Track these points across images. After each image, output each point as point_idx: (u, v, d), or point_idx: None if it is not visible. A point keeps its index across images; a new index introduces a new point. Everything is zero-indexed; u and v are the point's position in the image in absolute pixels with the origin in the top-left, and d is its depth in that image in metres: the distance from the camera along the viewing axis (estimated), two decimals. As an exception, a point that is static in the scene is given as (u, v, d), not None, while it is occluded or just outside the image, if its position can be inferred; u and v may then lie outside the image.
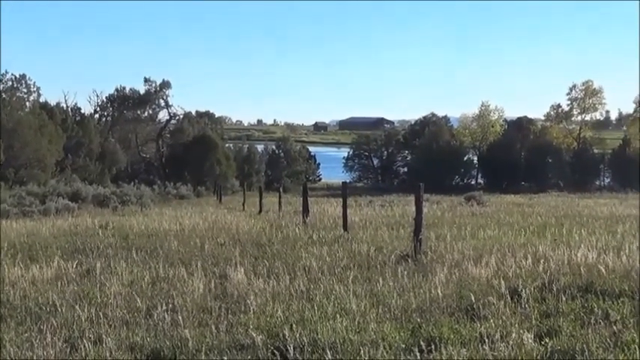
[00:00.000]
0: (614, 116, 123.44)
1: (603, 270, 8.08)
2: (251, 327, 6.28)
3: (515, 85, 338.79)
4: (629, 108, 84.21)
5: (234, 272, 8.92)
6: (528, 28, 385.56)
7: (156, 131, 66.77)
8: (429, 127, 75.19)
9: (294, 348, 5.62)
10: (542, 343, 5.68)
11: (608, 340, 5.68)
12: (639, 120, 70.77)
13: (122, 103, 65.98)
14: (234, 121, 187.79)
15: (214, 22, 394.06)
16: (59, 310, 7.23)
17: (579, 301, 6.96)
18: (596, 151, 72.24)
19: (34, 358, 5.71)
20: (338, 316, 6.59)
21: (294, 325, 6.19)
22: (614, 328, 5.98)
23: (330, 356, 5.43)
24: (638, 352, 5.33)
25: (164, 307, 7.03)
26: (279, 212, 23.85)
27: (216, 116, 79.76)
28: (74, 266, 10.06)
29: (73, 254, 11.80)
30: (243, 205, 31.49)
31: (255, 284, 8.30)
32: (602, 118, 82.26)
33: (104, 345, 5.94)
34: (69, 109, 58.38)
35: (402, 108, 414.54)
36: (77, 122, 55.13)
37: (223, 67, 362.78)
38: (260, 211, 25.46)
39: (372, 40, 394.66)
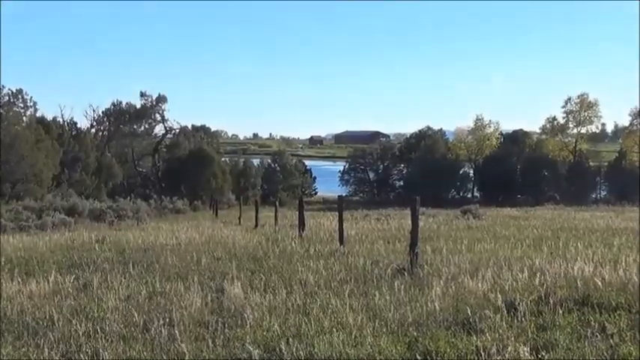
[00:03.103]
0: (609, 129, 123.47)
1: (600, 283, 8.10)
2: (248, 341, 6.28)
3: (511, 98, 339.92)
4: (624, 120, 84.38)
5: (230, 286, 8.90)
6: (524, 41, 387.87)
7: (152, 145, 66.80)
8: (425, 141, 75.14)
9: (291, 362, 5.63)
10: (539, 356, 5.69)
11: (604, 353, 5.69)
12: (636, 132, 70.88)
13: (118, 117, 66.04)
14: (229, 135, 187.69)
15: (210, 38, 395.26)
16: (56, 324, 7.24)
17: (576, 315, 6.97)
18: (592, 163, 72.19)
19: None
20: (334, 330, 6.60)
21: (290, 340, 6.20)
22: (611, 341, 6.00)
23: (327, 370, 5.43)
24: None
25: (161, 322, 7.04)
26: (276, 226, 23.84)
27: (212, 130, 79.84)
28: (71, 281, 10.05)
29: (70, 269, 11.79)
30: (240, 219, 31.44)
31: (252, 298, 8.31)
32: (597, 131, 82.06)
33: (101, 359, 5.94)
34: (65, 123, 58.37)
35: (398, 121, 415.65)
36: (74, 137, 55.11)
37: (219, 81, 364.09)
38: (256, 225, 25.43)
39: (367, 55, 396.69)
